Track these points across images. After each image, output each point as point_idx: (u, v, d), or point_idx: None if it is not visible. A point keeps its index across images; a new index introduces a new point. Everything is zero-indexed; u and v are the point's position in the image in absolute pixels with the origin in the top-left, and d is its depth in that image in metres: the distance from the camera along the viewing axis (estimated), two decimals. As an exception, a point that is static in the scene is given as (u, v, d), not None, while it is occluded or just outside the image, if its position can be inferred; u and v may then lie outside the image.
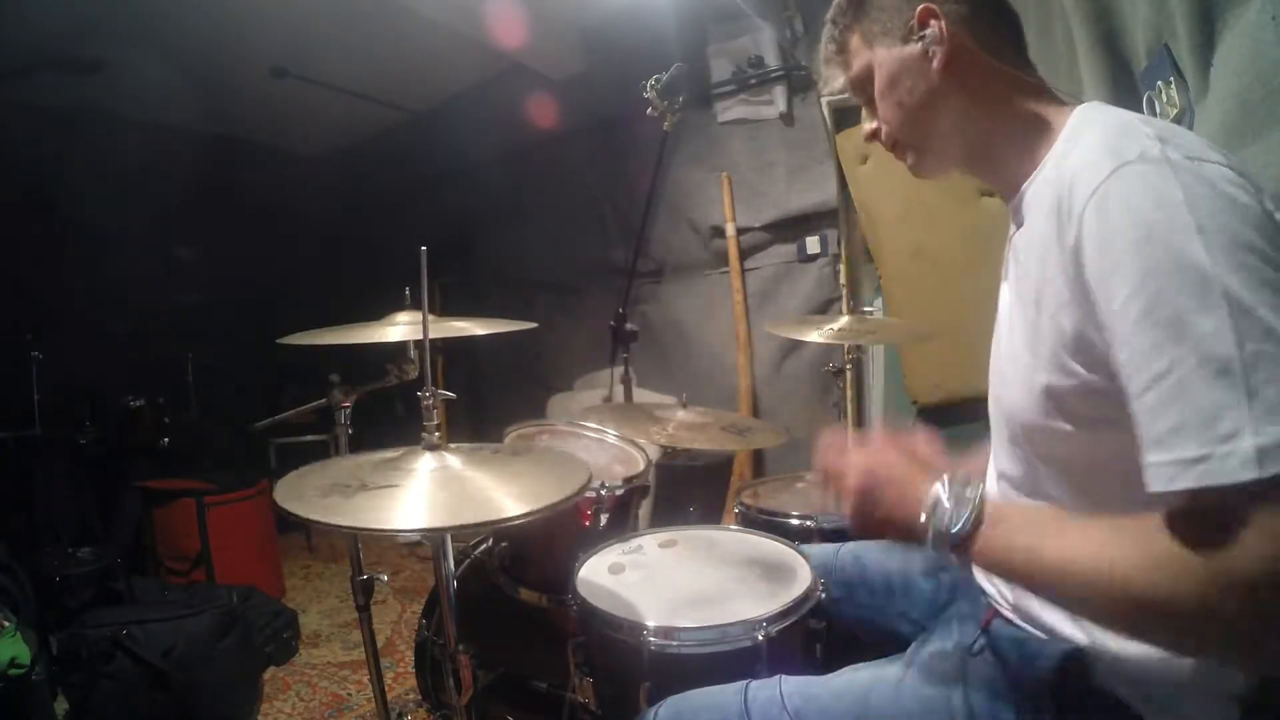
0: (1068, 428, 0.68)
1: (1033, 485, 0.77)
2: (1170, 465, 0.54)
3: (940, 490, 0.69)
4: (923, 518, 0.69)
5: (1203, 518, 0.54)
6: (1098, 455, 0.66)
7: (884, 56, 0.82)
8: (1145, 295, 0.56)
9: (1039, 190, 0.74)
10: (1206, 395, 0.53)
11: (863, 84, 0.86)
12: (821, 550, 1.24)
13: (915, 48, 0.79)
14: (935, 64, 0.78)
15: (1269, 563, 0.50)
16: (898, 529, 0.72)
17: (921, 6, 0.78)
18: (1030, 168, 0.76)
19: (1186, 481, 0.53)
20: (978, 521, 0.66)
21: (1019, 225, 0.80)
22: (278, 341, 1.34)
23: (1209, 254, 0.54)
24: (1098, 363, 0.63)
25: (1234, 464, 0.51)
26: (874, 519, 0.74)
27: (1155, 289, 0.56)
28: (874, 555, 1.15)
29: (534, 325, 1.45)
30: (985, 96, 0.79)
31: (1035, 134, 0.77)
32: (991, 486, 0.88)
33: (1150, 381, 0.56)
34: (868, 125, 0.88)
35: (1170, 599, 0.54)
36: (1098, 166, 0.62)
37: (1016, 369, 0.75)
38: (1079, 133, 0.70)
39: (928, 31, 0.78)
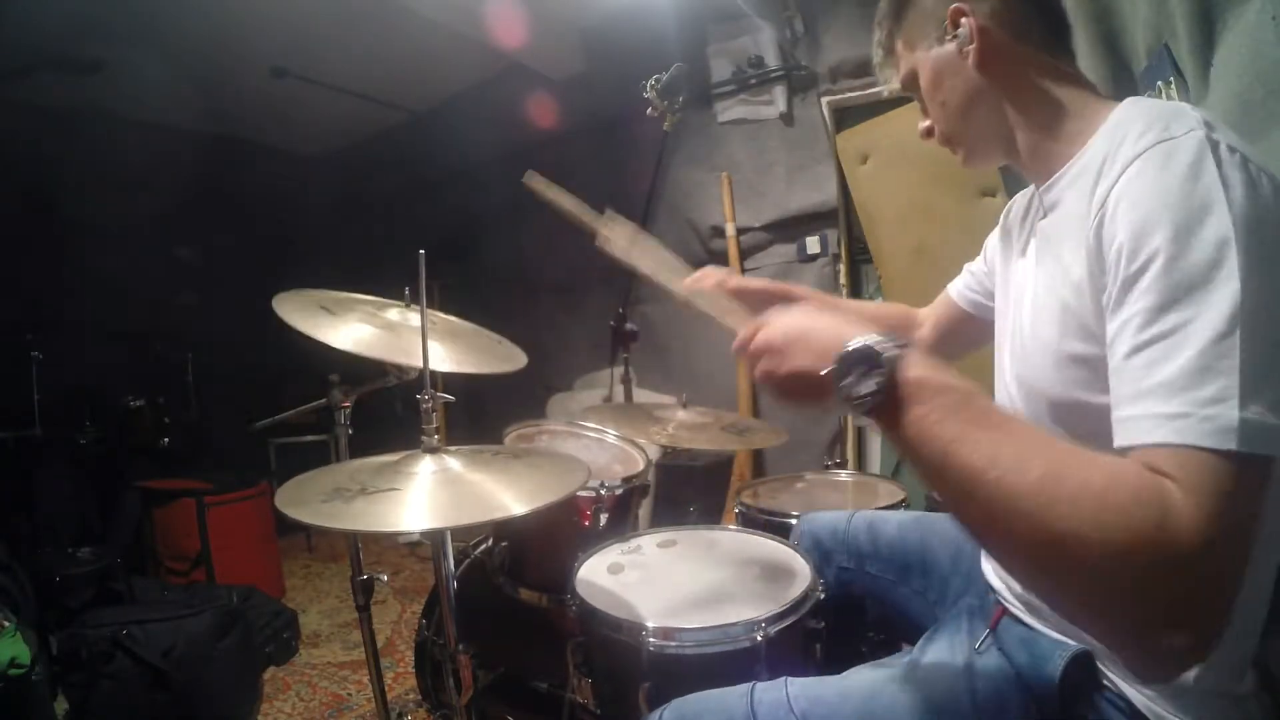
0: (1104, 400, 0.66)
1: None
2: (1151, 419, 0.55)
3: (859, 343, 0.61)
4: (825, 370, 0.63)
5: (1171, 475, 0.53)
6: None
7: (924, 58, 0.84)
8: (1164, 257, 0.57)
9: (1078, 175, 0.74)
10: (1201, 358, 0.54)
11: (912, 84, 0.88)
12: (831, 517, 1.23)
13: (950, 47, 0.80)
14: (970, 61, 0.79)
15: (1208, 535, 0.50)
16: (808, 382, 0.65)
17: (952, 6, 0.79)
18: (1070, 155, 0.76)
19: (1164, 435, 0.54)
20: (890, 384, 0.59)
21: (1052, 210, 0.79)
22: (276, 297, 1.28)
23: (1234, 231, 0.55)
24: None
25: (1212, 428, 0.52)
26: (783, 373, 0.67)
27: (1174, 253, 0.57)
28: (889, 527, 1.14)
29: (523, 365, 1.37)
30: (1025, 89, 0.79)
31: (1078, 124, 0.76)
32: None
33: (1151, 339, 0.56)
34: (922, 123, 0.89)
35: (1097, 541, 0.51)
36: (1142, 139, 0.63)
37: (1042, 347, 0.74)
38: (1129, 120, 0.69)
39: (960, 30, 0.79)
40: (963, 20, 0.78)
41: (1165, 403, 0.54)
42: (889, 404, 0.59)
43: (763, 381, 0.70)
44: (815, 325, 0.67)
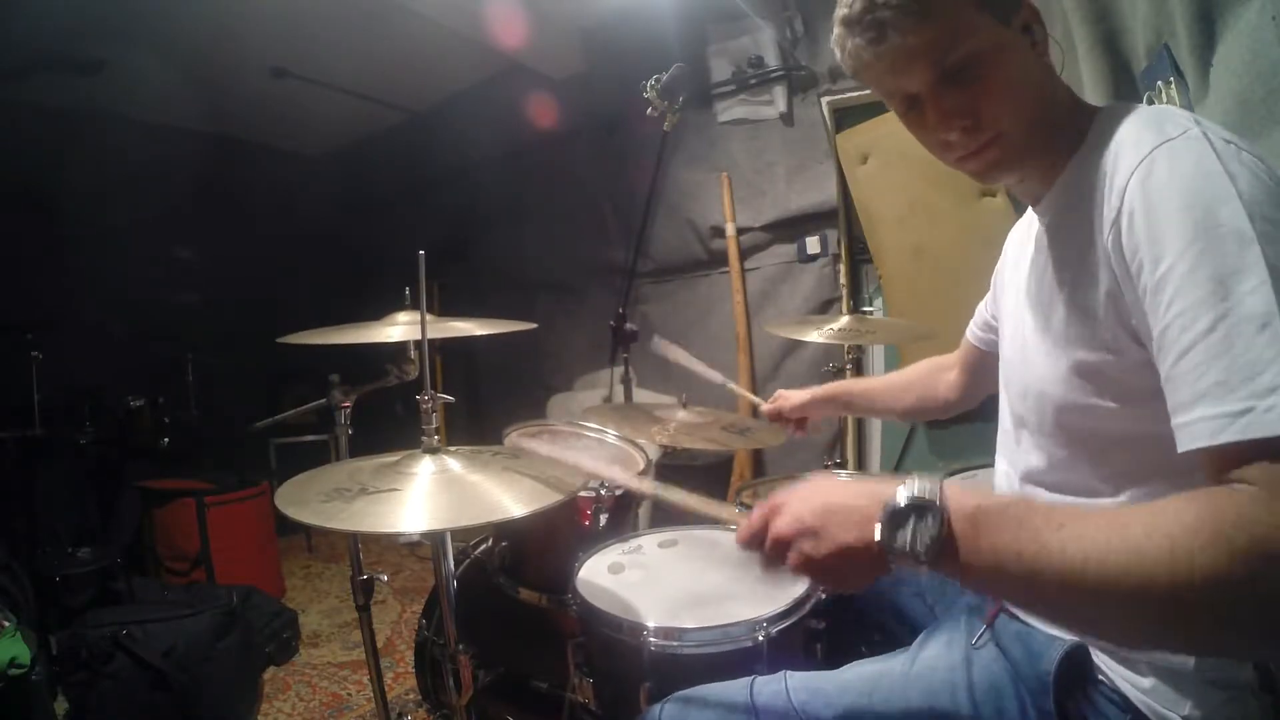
0: (1110, 405, 0.69)
1: (1064, 475, 0.77)
2: (1215, 419, 0.55)
3: (896, 497, 0.58)
4: (877, 534, 0.58)
5: (1246, 476, 0.53)
6: (1149, 430, 0.64)
7: (987, 36, 0.73)
8: (1190, 256, 0.58)
9: (1071, 181, 0.74)
10: (1248, 351, 0.54)
11: (963, 68, 0.78)
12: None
13: (1014, 35, 0.74)
14: (1037, 57, 0.75)
15: None
16: (856, 557, 0.60)
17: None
18: (1061, 166, 0.76)
19: (1231, 435, 0.54)
20: (947, 525, 0.57)
21: (1045, 218, 0.80)
22: (278, 341, 1.34)
23: (1249, 221, 0.56)
24: (1135, 333, 0.65)
25: (1275, 417, 0.52)
26: (824, 555, 0.61)
27: (1199, 250, 0.57)
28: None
29: (533, 326, 1.46)
30: (1055, 90, 0.77)
31: (1071, 131, 0.76)
32: (1006, 478, 0.87)
33: (1195, 338, 0.57)
34: (955, 126, 0.77)
35: (1211, 574, 0.49)
36: (1141, 142, 0.64)
37: (1045, 353, 0.76)
38: (1113, 124, 0.70)
39: (1036, 26, 0.75)
40: (1032, 16, 0.74)
41: (1223, 402, 0.54)
42: (952, 544, 0.57)
43: (801, 567, 0.63)
44: (842, 496, 0.63)
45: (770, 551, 0.65)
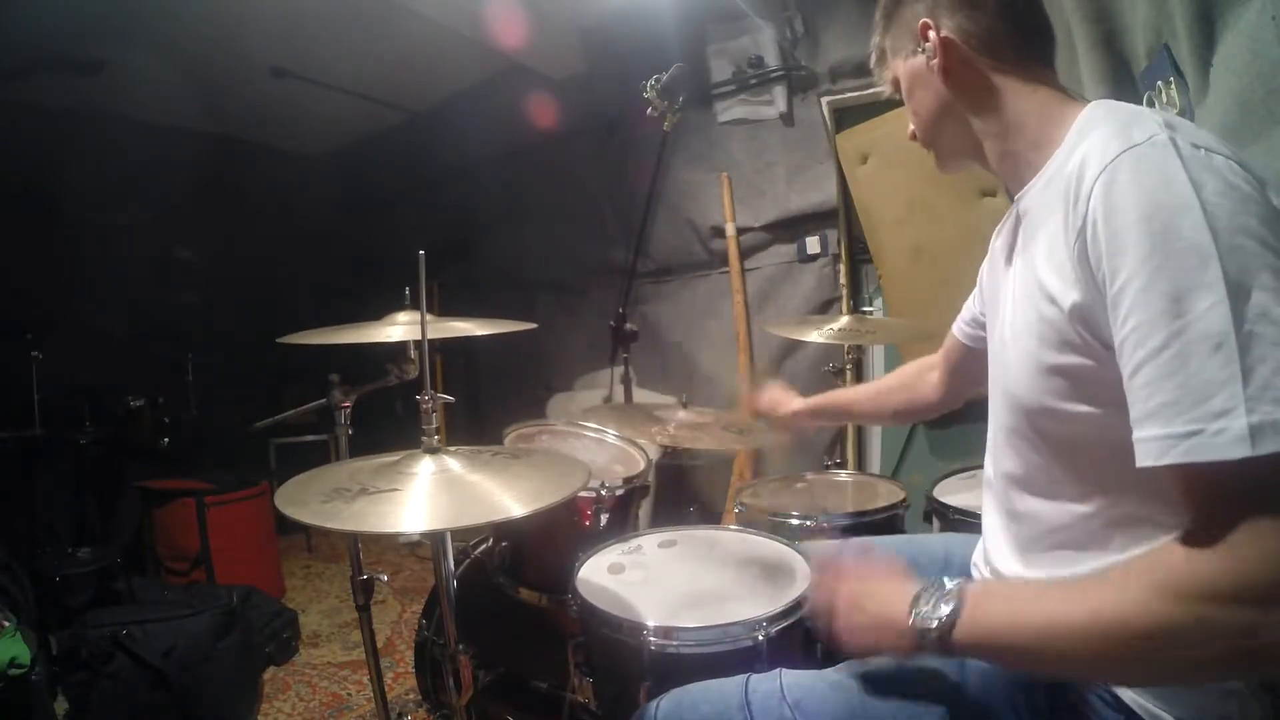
0: (1086, 409, 0.68)
1: (1039, 479, 0.78)
2: (1161, 440, 0.55)
3: (924, 588, 0.70)
4: (910, 618, 0.69)
5: (1191, 503, 0.55)
6: (1125, 437, 0.63)
7: (902, 68, 0.89)
8: (1146, 271, 0.57)
9: (1048, 182, 0.75)
10: (1201, 372, 0.54)
11: (897, 90, 0.92)
12: (823, 547, 1.24)
13: (921, 60, 0.84)
14: (936, 75, 0.83)
15: (1265, 565, 0.50)
16: (885, 631, 0.72)
17: (920, 21, 0.82)
18: (1040, 163, 0.78)
19: (1176, 456, 0.54)
20: (962, 604, 0.66)
21: (1025, 216, 0.81)
22: (278, 341, 1.34)
23: (1211, 234, 0.55)
24: (1103, 341, 0.64)
25: (1225, 441, 0.52)
26: (861, 624, 0.75)
27: (1156, 265, 0.57)
28: (881, 552, 1.15)
29: (533, 326, 1.46)
30: (990, 101, 0.81)
31: (1045, 132, 0.78)
32: (991, 479, 0.88)
33: (1147, 356, 0.57)
34: (909, 127, 0.93)
35: (1168, 622, 0.53)
36: (1107, 149, 0.63)
37: (1020, 354, 0.76)
38: (1090, 125, 0.71)
39: (926, 45, 0.82)
40: (930, 34, 0.81)
41: (1172, 423, 0.55)
42: (962, 621, 0.65)
43: (842, 628, 0.77)
44: (883, 582, 0.77)
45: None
